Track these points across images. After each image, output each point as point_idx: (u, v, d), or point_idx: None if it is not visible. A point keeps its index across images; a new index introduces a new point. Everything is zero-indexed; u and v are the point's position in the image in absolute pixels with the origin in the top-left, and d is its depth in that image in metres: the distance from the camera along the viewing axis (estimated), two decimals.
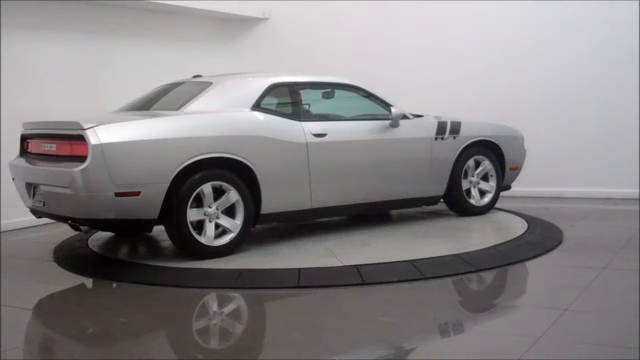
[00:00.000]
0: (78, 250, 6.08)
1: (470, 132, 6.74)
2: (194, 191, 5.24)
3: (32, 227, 7.21)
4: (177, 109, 5.63)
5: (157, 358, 3.75)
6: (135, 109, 6.06)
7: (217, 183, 5.37)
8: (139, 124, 5.35)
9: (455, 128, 6.64)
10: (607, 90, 7.90)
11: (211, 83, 5.91)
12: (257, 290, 4.80)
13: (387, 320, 4.13)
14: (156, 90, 6.38)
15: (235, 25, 9.81)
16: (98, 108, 7.51)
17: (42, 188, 5.39)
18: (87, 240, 6.36)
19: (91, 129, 4.99)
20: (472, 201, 6.80)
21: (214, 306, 4.70)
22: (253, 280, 4.95)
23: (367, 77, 8.25)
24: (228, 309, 4.62)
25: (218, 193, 5.40)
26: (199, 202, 5.32)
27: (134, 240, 6.33)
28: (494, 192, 6.91)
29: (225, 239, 5.44)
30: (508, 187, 7.17)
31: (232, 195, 5.42)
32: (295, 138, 5.76)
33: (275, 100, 6.10)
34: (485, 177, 6.89)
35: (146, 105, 6.03)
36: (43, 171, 5.40)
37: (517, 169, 7.16)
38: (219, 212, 5.40)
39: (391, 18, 8.95)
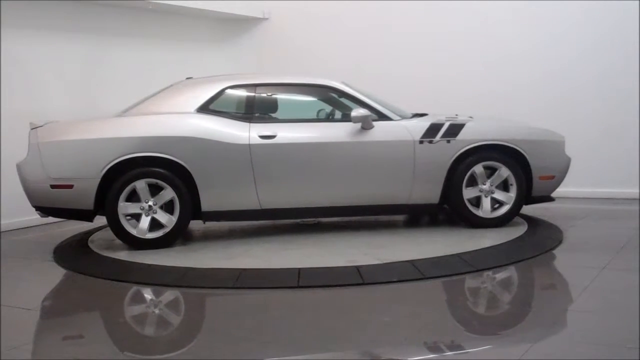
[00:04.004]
0: (78, 250, 6.09)
1: (475, 135, 6.10)
2: (126, 187, 5.70)
3: (32, 227, 7.22)
4: (125, 110, 6.16)
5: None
6: (130, 109, 6.26)
7: (153, 180, 5.74)
8: (78, 125, 6.01)
9: (453, 130, 6.07)
10: (607, 89, 7.90)
11: (171, 86, 6.30)
12: (257, 290, 4.80)
13: (387, 320, 4.13)
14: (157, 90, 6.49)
15: (235, 25, 9.81)
16: (98, 107, 7.51)
17: None
18: (87, 240, 6.38)
19: (34, 130, 5.85)
20: (479, 212, 6.16)
21: (214, 306, 4.70)
22: (253, 280, 4.96)
23: (368, 76, 8.31)
24: (228, 308, 4.62)
25: (159, 190, 5.79)
26: (138, 197, 5.78)
27: None
28: (512, 203, 6.16)
29: (159, 233, 5.80)
30: (548, 199, 6.41)
31: (168, 192, 5.77)
32: (237, 140, 5.83)
33: (229, 102, 6.18)
34: (506, 186, 6.20)
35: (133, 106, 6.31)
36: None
37: (552, 178, 6.30)
38: (157, 207, 5.77)
39: (391, 17, 8.95)
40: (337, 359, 3.68)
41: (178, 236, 5.92)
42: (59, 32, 7.72)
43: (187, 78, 6.57)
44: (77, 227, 6.99)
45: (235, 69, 8.95)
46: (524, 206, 6.38)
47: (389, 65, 8.88)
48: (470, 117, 6.38)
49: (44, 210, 5.92)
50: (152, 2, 8.08)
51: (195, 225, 6.56)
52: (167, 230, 5.81)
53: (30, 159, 5.80)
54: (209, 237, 6.43)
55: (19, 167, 5.87)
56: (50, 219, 7.11)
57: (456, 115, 6.43)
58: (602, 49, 7.90)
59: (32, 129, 5.87)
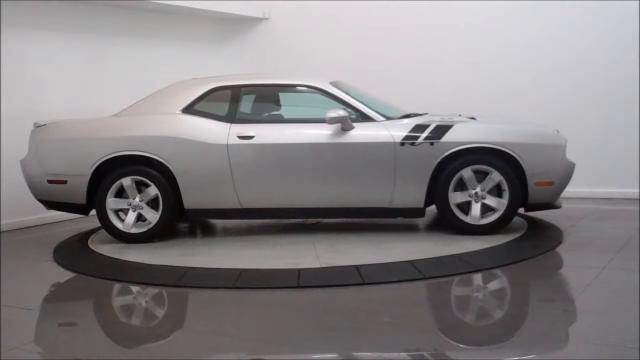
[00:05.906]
0: (78, 250, 6.10)
1: (462, 137, 5.80)
2: (114, 183, 6.01)
3: (32, 227, 7.23)
4: (119, 111, 6.38)
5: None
6: (126, 109, 6.43)
7: (139, 178, 6.01)
8: (73, 125, 6.32)
9: (438, 132, 5.81)
10: (607, 89, 7.90)
11: (167, 87, 6.49)
12: (257, 290, 4.80)
13: (387, 320, 4.13)
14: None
15: (235, 25, 9.81)
16: (98, 107, 7.51)
17: None
18: (87, 240, 6.39)
19: (35, 129, 6.24)
20: (467, 218, 5.87)
21: (214, 306, 4.70)
22: (253, 280, 4.96)
23: (368, 75, 8.30)
24: (228, 309, 4.62)
25: (148, 187, 6.06)
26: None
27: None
28: (504, 209, 5.84)
29: (143, 228, 6.08)
30: (550, 206, 6.06)
31: (152, 190, 6.02)
32: (216, 140, 5.92)
33: (214, 103, 6.24)
34: (499, 192, 5.87)
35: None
36: None
37: (551, 184, 5.87)
38: (143, 203, 6.03)
39: (391, 17, 8.94)
40: (336, 359, 3.68)
41: (162, 232, 6.11)
42: (59, 32, 7.72)
43: (193, 79, 6.66)
44: (77, 227, 7.01)
45: (236, 69, 8.95)
46: (525, 213, 6.30)
47: (389, 65, 8.88)
48: (473, 118, 6.31)
49: (46, 203, 6.29)
50: (152, 2, 8.08)
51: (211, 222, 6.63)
52: (150, 226, 6.04)
53: (30, 156, 6.20)
54: (210, 234, 6.44)
55: (21, 163, 6.24)
56: (50, 219, 7.18)
57: (459, 115, 6.34)
58: (602, 48, 7.89)
59: (35, 127, 6.24)
